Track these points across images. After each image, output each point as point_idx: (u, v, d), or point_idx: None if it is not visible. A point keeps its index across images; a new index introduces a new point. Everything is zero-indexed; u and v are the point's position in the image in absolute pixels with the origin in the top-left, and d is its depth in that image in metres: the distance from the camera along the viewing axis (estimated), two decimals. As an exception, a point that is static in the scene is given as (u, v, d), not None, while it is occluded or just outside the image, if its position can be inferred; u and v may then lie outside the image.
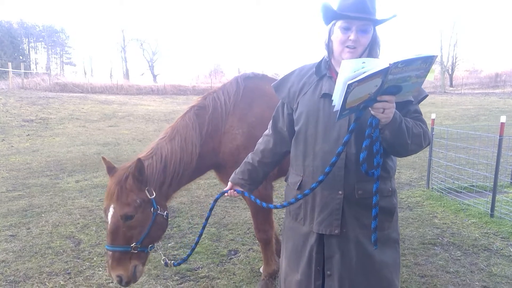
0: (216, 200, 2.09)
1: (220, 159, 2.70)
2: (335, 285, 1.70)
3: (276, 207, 1.91)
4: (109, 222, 2.13)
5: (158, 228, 2.30)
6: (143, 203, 2.18)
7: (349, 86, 1.32)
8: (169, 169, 2.40)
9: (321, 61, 1.81)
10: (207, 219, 2.20)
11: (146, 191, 2.21)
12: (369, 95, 1.40)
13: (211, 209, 2.14)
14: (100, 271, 3.36)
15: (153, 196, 2.23)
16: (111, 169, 2.26)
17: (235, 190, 2.00)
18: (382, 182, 1.68)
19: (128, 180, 2.16)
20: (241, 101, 2.76)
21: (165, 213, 2.31)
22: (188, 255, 2.31)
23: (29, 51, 57.37)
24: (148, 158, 2.36)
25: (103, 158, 2.30)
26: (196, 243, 2.28)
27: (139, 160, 2.15)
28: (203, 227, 2.23)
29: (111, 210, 2.13)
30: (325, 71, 1.77)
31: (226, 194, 2.02)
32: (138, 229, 2.17)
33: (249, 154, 2.04)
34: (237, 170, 2.04)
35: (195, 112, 2.63)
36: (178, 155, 2.43)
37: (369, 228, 1.63)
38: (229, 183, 2.04)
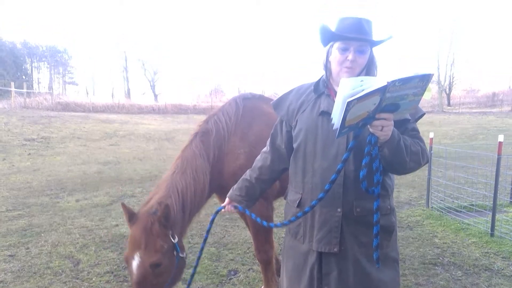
0: (216, 213, 2.10)
1: (223, 181, 2.71)
2: None
3: (276, 226, 1.92)
4: (135, 273, 2.01)
5: (180, 271, 2.23)
6: (169, 248, 2.10)
7: (348, 103, 1.35)
8: (187, 205, 2.36)
9: (319, 80, 1.85)
10: (208, 232, 2.19)
11: (170, 236, 2.14)
12: (368, 113, 1.44)
13: (211, 221, 2.15)
14: (99, 291, 3.34)
15: (176, 240, 2.16)
16: (132, 216, 2.13)
17: (232, 206, 2.03)
18: (381, 200, 1.69)
19: (155, 226, 2.06)
20: (241, 121, 2.82)
21: (184, 255, 2.23)
22: (192, 275, 2.29)
23: (31, 71, 58.11)
24: (166, 198, 2.26)
25: (123, 205, 2.14)
26: (198, 258, 2.26)
27: (166, 206, 2.07)
28: (204, 240, 2.21)
29: (137, 259, 2.01)
30: (323, 89, 1.81)
31: (223, 210, 2.05)
32: (164, 276, 2.08)
33: (247, 171, 2.08)
34: (235, 186, 2.07)
35: (201, 139, 2.63)
36: (192, 188, 2.39)
37: (367, 246, 1.64)
38: (227, 199, 2.07)
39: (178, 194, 2.31)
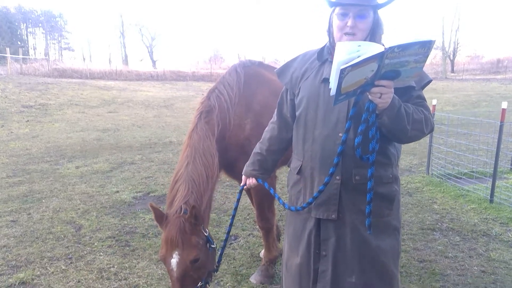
0: (240, 192, 2.21)
1: (231, 154, 2.67)
2: (329, 265, 1.72)
3: (284, 206, 1.92)
4: (175, 270, 2.06)
5: (214, 261, 2.29)
6: (203, 242, 2.18)
7: (342, 71, 1.30)
8: (206, 194, 2.38)
9: (323, 46, 1.80)
10: (235, 209, 2.29)
11: (202, 230, 2.21)
12: (366, 80, 1.38)
13: (238, 200, 2.25)
14: (101, 256, 3.39)
15: (208, 233, 2.23)
16: (161, 218, 2.15)
17: (255, 179, 2.06)
18: (382, 169, 1.67)
19: (187, 225, 2.11)
20: (244, 89, 2.73)
21: (214, 244, 2.30)
22: (221, 253, 2.36)
23: (27, 37, 56.78)
24: (189, 195, 2.27)
25: (152, 207, 2.14)
26: (227, 239, 2.35)
27: (193, 207, 2.10)
28: (232, 217, 2.31)
29: (176, 257, 2.07)
30: (327, 56, 1.76)
31: (245, 187, 2.11)
32: (202, 269, 2.16)
33: (257, 144, 2.08)
34: (248, 162, 2.09)
35: (205, 120, 2.56)
36: (204, 174, 2.40)
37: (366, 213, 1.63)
38: (243, 177, 2.10)
39: (196, 187, 2.34)
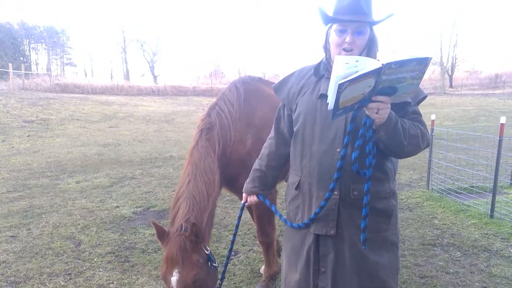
0: (242, 209, 2.22)
1: (232, 170, 2.68)
2: (328, 282, 1.71)
3: (286, 222, 1.92)
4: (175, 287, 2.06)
5: (215, 280, 2.27)
6: (204, 261, 2.17)
7: (340, 86, 1.32)
8: (205, 211, 2.38)
9: (320, 62, 1.83)
10: (237, 226, 2.28)
11: (204, 248, 2.20)
12: (363, 95, 1.41)
13: (239, 217, 2.26)
14: (100, 271, 3.37)
15: (209, 251, 2.22)
16: (163, 235, 2.17)
17: (256, 196, 2.07)
18: (379, 184, 1.69)
19: (188, 244, 2.11)
20: (245, 105, 2.76)
21: (216, 264, 2.28)
22: (224, 271, 2.33)
23: (29, 52, 57.38)
24: (190, 213, 2.29)
25: (154, 224, 2.17)
26: (228, 257, 2.35)
27: (194, 224, 2.10)
28: (234, 235, 2.32)
29: (176, 275, 2.06)
30: (323, 71, 1.79)
31: (246, 204, 2.11)
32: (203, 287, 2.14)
33: (256, 161, 2.09)
34: (248, 180, 2.10)
35: (206, 138, 2.58)
36: (205, 192, 2.41)
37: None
38: (244, 195, 2.11)
39: (197, 204, 2.34)
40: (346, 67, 1.37)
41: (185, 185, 2.41)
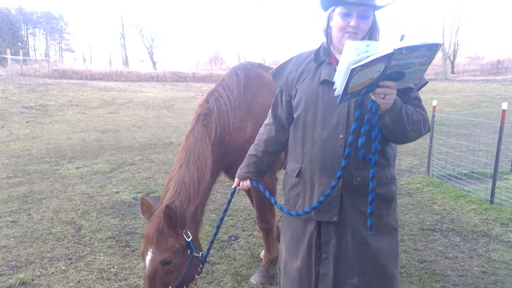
0: (232, 194, 2.14)
1: (231, 157, 2.65)
2: (330, 268, 1.71)
3: (282, 210, 1.90)
4: (147, 267, 2.07)
5: (194, 270, 2.25)
6: (181, 247, 2.14)
7: (352, 70, 1.30)
8: (194, 197, 2.35)
9: (319, 47, 1.79)
10: (225, 211, 2.23)
11: (184, 234, 2.17)
12: (371, 80, 1.39)
13: (229, 202, 2.20)
14: (101, 256, 3.39)
15: (190, 239, 2.19)
16: (146, 212, 2.20)
17: (250, 181, 2.01)
18: (380, 169, 1.67)
19: (165, 226, 2.10)
20: (245, 92, 2.71)
21: (200, 254, 2.26)
22: (209, 248, 2.33)
23: (27, 38, 56.78)
24: (176, 196, 2.27)
25: (142, 198, 2.22)
26: (215, 235, 2.32)
27: (167, 207, 2.08)
28: (221, 219, 2.27)
29: (150, 254, 2.08)
30: (324, 57, 1.75)
31: (238, 188, 2.06)
32: (175, 274, 2.12)
33: (252, 146, 2.04)
34: (242, 165, 2.05)
35: (202, 123, 2.54)
36: (196, 177, 2.37)
37: (367, 215, 1.62)
38: (236, 179, 2.06)
39: (185, 189, 2.32)
40: (356, 52, 1.35)
41: (177, 169, 2.40)
